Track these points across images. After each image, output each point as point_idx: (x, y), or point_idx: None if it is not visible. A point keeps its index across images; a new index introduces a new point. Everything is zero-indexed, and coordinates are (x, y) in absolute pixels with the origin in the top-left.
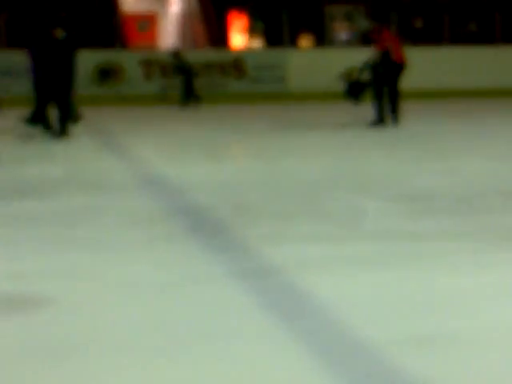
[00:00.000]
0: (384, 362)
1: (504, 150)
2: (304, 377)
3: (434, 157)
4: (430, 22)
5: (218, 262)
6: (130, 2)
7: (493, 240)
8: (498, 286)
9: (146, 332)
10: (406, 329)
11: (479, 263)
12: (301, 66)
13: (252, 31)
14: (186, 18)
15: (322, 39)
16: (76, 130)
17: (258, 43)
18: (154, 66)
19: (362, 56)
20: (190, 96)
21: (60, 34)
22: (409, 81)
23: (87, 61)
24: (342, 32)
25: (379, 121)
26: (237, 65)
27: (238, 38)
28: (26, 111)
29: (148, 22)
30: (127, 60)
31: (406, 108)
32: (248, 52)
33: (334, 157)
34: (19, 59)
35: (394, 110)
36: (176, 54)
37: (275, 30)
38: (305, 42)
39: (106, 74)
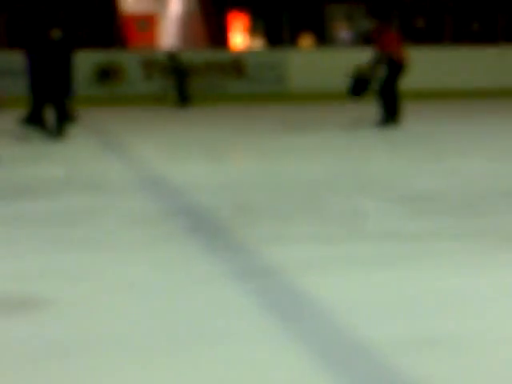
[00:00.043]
0: (384, 363)
1: (505, 151)
2: (304, 377)
3: (434, 157)
4: (432, 22)
5: (217, 262)
6: (130, 2)
7: (493, 241)
8: (498, 286)
9: (146, 332)
10: (407, 329)
11: (480, 264)
12: (301, 66)
13: (252, 31)
14: (185, 18)
15: (323, 39)
16: (76, 130)
17: (258, 43)
18: (154, 66)
19: (363, 56)
20: (183, 97)
21: (57, 34)
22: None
23: (87, 61)
24: (342, 31)
25: (385, 121)
26: (237, 65)
27: (239, 37)
28: (23, 112)
29: (148, 22)
30: (127, 60)
31: (407, 108)
32: (248, 52)
33: (334, 157)
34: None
35: (395, 111)
36: (171, 55)
37: (276, 30)
38: (305, 41)
39: (106, 74)
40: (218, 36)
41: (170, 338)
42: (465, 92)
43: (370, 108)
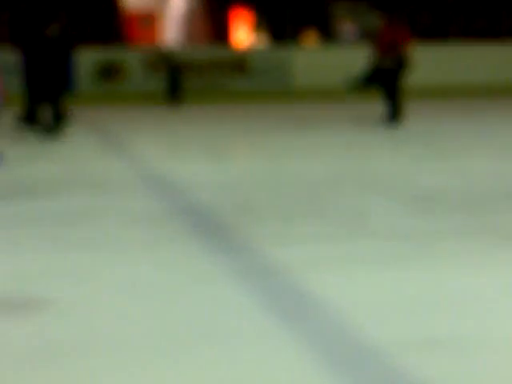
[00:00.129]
0: (385, 363)
1: (508, 149)
2: (304, 377)
3: (437, 156)
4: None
5: (218, 261)
6: None
7: (495, 240)
8: (499, 286)
9: (146, 332)
10: (407, 329)
11: (481, 263)
12: (305, 64)
13: (256, 27)
14: (188, 15)
15: (327, 36)
16: (75, 128)
17: (262, 40)
18: (156, 63)
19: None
20: (174, 95)
21: (54, 32)
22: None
23: (88, 59)
24: (347, 28)
25: (392, 118)
26: (240, 62)
27: (242, 34)
28: (21, 110)
29: (149, 20)
30: (128, 58)
31: (411, 106)
32: (252, 49)
33: (337, 156)
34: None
35: (398, 108)
36: (167, 53)
37: (279, 27)
38: (309, 38)
39: (108, 71)
40: (220, 33)
41: (170, 338)
42: (469, 88)
43: (373, 106)
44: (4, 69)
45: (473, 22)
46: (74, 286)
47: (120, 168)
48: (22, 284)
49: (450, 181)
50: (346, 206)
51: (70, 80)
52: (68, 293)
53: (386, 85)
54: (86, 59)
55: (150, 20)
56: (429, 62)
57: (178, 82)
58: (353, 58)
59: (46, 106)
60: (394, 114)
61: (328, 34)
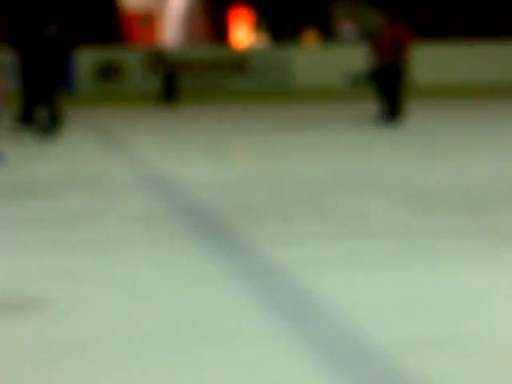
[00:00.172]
0: (385, 363)
1: (508, 149)
2: (304, 377)
3: (437, 156)
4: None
5: (218, 261)
6: None
7: (495, 240)
8: (500, 286)
9: (146, 332)
10: (408, 329)
11: (481, 263)
12: (306, 63)
13: (256, 27)
14: (187, 15)
15: (327, 36)
16: (76, 128)
17: (261, 39)
18: (155, 63)
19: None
20: (169, 95)
21: (51, 32)
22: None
23: (88, 59)
24: (347, 28)
25: (390, 117)
26: (240, 62)
27: (242, 33)
28: (17, 111)
29: (149, 20)
30: (128, 58)
31: (411, 105)
32: (252, 49)
33: (337, 156)
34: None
35: (398, 108)
36: (163, 53)
37: (279, 26)
38: (309, 37)
39: (107, 71)
40: (220, 32)
41: (170, 338)
42: (470, 87)
43: (373, 106)
44: (3, 69)
45: (472, 21)
46: (73, 286)
47: (120, 168)
48: (22, 284)
49: (450, 181)
50: (346, 206)
51: (67, 80)
52: (68, 293)
53: (386, 84)
54: (86, 59)
55: (149, 20)
56: (428, 61)
57: (174, 82)
58: (353, 57)
59: (42, 107)
60: (394, 113)
61: (328, 33)
